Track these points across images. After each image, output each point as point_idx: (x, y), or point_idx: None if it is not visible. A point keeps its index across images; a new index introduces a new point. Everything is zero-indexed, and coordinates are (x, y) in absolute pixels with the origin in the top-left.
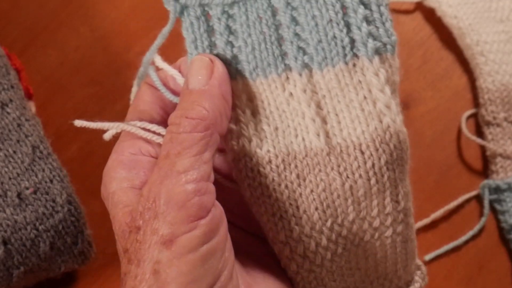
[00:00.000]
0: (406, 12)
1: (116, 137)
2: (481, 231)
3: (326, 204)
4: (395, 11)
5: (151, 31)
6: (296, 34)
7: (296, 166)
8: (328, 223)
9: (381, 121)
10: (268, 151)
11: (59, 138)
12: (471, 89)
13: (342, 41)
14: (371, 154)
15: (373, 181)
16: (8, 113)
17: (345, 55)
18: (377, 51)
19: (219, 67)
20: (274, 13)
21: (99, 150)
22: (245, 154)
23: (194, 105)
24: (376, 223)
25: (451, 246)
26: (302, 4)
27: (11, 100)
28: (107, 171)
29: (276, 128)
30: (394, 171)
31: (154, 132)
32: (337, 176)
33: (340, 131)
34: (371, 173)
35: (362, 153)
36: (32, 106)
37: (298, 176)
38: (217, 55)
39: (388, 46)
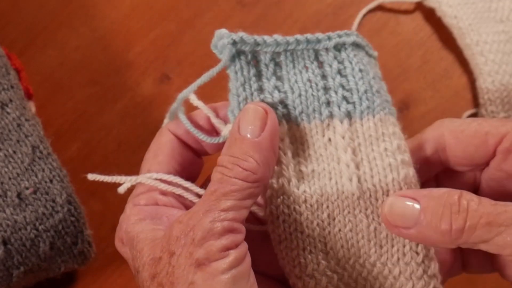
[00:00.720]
0: (406, 12)
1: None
2: None
3: (351, 243)
4: (395, 11)
5: (151, 31)
6: (341, 85)
7: (327, 207)
8: (351, 261)
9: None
10: (305, 191)
11: (59, 138)
12: (471, 89)
13: (383, 96)
14: None
15: None
16: (8, 113)
17: (384, 108)
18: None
19: (273, 119)
20: (320, 64)
21: (99, 150)
22: (284, 192)
23: (247, 156)
24: (395, 271)
25: None
26: (349, 59)
27: (11, 100)
28: (127, 217)
29: (313, 171)
30: None
31: (171, 183)
32: (364, 218)
33: (371, 177)
34: None
35: None
36: (32, 106)
37: (329, 216)
38: (264, 99)
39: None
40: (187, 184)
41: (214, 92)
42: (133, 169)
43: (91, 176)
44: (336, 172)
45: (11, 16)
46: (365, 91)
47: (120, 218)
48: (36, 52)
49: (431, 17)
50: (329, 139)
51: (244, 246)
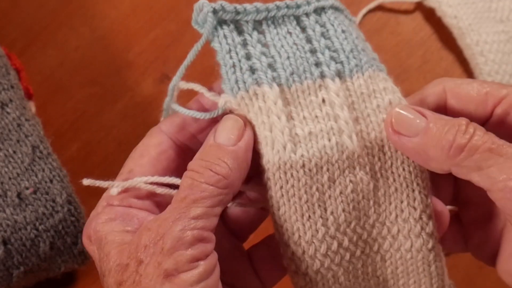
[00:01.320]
0: (406, 12)
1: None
2: None
3: (353, 206)
4: (395, 11)
5: (151, 31)
6: (327, 46)
7: (328, 169)
8: (352, 225)
9: None
10: (302, 155)
11: (59, 138)
12: None
13: (368, 54)
14: (391, 155)
15: (391, 179)
16: (8, 113)
17: (372, 65)
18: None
19: (250, 133)
20: (303, 29)
21: (99, 150)
22: (279, 158)
23: (220, 161)
24: (394, 229)
25: None
26: (330, 21)
27: (11, 100)
28: (97, 215)
29: (310, 133)
30: (410, 172)
31: (162, 185)
32: (364, 176)
33: (367, 134)
34: (389, 172)
35: (384, 154)
36: (32, 106)
37: (329, 179)
38: (252, 65)
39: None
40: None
41: (212, 80)
42: None
43: (86, 182)
44: (335, 131)
45: (11, 16)
46: (351, 50)
47: (91, 214)
48: (36, 52)
49: (431, 17)
50: (323, 99)
51: (214, 257)
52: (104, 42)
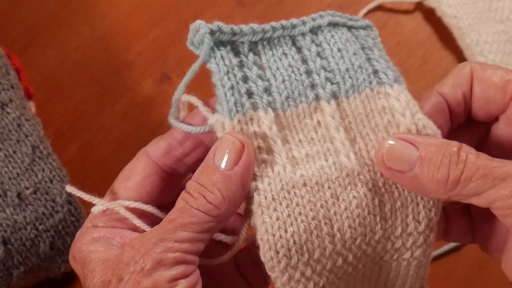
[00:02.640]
0: (406, 12)
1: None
2: None
3: (358, 222)
4: (395, 11)
5: (151, 31)
6: (322, 67)
7: (329, 187)
8: (357, 241)
9: None
10: (302, 175)
11: (59, 138)
12: None
13: (367, 70)
14: None
15: (396, 194)
16: (8, 113)
17: (370, 82)
18: (396, 80)
19: (249, 154)
20: (299, 50)
21: (99, 150)
22: (281, 179)
23: (215, 188)
24: (398, 243)
25: (451, 246)
26: (326, 40)
27: (11, 100)
28: (82, 235)
29: (307, 155)
30: None
31: (139, 212)
32: (367, 192)
33: (367, 153)
34: (393, 187)
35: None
36: (32, 106)
37: (331, 196)
38: (249, 88)
39: (402, 78)
40: (158, 213)
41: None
42: None
43: (68, 188)
44: (331, 152)
45: (11, 16)
46: (347, 70)
47: (76, 235)
48: (36, 52)
49: (431, 17)
50: (318, 122)
51: (195, 276)
52: (104, 42)
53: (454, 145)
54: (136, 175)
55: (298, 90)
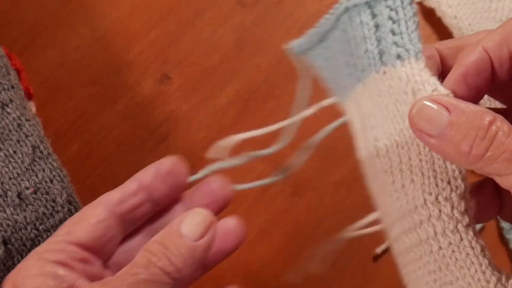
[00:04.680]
0: None
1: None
2: (481, 231)
3: (433, 175)
4: None
5: (151, 31)
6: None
7: (401, 152)
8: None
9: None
10: (385, 144)
11: (59, 138)
12: None
13: (372, 52)
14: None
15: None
16: (8, 113)
17: (375, 65)
18: (399, 56)
19: (214, 232)
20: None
21: (99, 150)
22: (377, 152)
23: (179, 253)
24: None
25: None
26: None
27: (11, 100)
28: (28, 267)
29: (382, 125)
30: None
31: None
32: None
33: None
34: None
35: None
36: (32, 106)
37: (409, 158)
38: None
39: (411, 52)
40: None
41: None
42: (133, 169)
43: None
44: (399, 120)
45: (11, 16)
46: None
47: (19, 265)
48: (36, 52)
49: (431, 17)
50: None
51: None
52: (104, 42)
53: (487, 116)
54: (90, 219)
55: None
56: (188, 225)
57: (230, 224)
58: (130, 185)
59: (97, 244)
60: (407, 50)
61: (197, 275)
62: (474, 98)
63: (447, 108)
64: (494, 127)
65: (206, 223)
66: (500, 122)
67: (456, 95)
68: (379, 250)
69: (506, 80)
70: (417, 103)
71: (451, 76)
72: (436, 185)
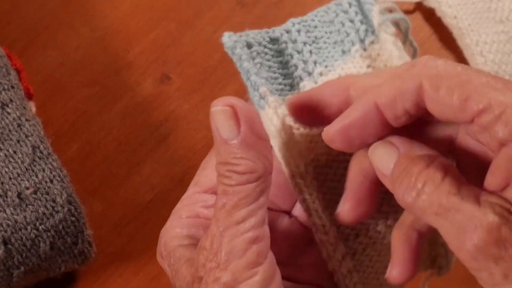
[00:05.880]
0: (406, 12)
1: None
2: None
3: None
4: None
5: (151, 31)
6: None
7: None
8: None
9: None
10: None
11: (59, 138)
12: None
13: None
14: None
15: None
16: (8, 113)
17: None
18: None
19: (244, 110)
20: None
21: (99, 150)
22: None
23: (238, 159)
24: None
25: None
26: None
27: (11, 100)
28: (166, 231)
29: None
30: None
31: None
32: None
33: None
34: None
35: None
36: (32, 106)
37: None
38: None
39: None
40: None
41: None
42: (133, 169)
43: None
44: None
45: (11, 16)
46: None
47: (161, 231)
48: (36, 52)
49: (431, 17)
50: None
51: (271, 261)
52: (104, 42)
53: (420, 163)
54: (213, 162)
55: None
56: (222, 128)
57: None
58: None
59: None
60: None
61: (268, 151)
62: (357, 146)
63: (397, 148)
64: (420, 181)
65: (230, 113)
66: (434, 169)
67: (335, 145)
68: None
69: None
70: (374, 144)
71: (333, 126)
72: None
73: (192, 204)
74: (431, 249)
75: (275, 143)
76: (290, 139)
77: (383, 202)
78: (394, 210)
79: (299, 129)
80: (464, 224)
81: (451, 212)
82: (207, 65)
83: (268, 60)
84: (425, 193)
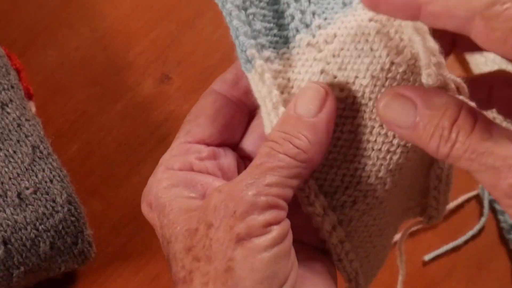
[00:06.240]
0: None
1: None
2: (481, 231)
3: None
4: None
5: (151, 31)
6: None
7: None
8: None
9: None
10: None
11: (59, 138)
12: None
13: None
14: None
15: None
16: (8, 113)
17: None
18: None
19: (333, 101)
20: None
21: (99, 150)
22: None
23: (300, 134)
24: None
25: (451, 246)
26: None
27: (11, 100)
28: (158, 181)
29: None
30: None
31: None
32: None
33: None
34: None
35: None
36: (32, 106)
37: None
38: None
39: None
40: None
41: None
42: (133, 169)
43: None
44: None
45: (11, 16)
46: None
47: (149, 180)
48: (36, 52)
49: None
50: None
51: (287, 223)
52: (104, 42)
53: (450, 115)
54: (208, 110)
55: None
56: (301, 103)
57: None
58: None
59: (221, 135)
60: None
61: (325, 150)
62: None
63: (412, 100)
64: (455, 129)
65: (320, 95)
66: (463, 119)
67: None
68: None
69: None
70: (384, 97)
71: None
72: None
73: (184, 154)
74: (422, 199)
75: (262, 108)
76: (275, 106)
77: (380, 169)
78: (391, 175)
79: (283, 94)
80: (498, 165)
81: (485, 156)
82: (207, 65)
83: (263, 8)
84: (459, 142)
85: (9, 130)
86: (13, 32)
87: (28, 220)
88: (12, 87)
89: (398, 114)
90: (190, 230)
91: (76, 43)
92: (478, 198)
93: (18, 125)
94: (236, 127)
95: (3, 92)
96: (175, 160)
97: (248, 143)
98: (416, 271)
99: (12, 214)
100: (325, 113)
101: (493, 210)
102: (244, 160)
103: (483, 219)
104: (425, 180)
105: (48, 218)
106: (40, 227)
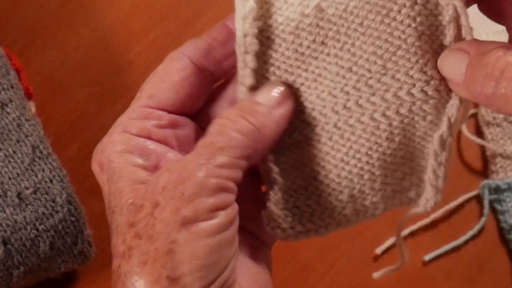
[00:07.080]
0: None
1: None
2: (481, 231)
3: None
4: None
5: (151, 31)
6: None
7: None
8: None
9: None
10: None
11: (59, 138)
12: None
13: None
14: None
15: None
16: (8, 113)
17: None
18: None
19: (291, 105)
20: None
21: None
22: None
23: (258, 114)
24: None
25: (451, 246)
26: None
27: (11, 100)
28: (113, 143)
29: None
30: None
31: None
32: None
33: None
34: None
35: None
36: (32, 106)
37: None
38: None
39: None
40: None
41: None
42: None
43: None
44: None
45: (11, 16)
46: None
47: (103, 139)
48: (36, 52)
49: None
50: None
51: (234, 209)
52: (104, 42)
53: (493, 55)
54: (173, 76)
55: None
56: (263, 94)
57: None
58: (220, 31)
59: (184, 105)
60: None
61: (273, 142)
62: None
63: (467, 52)
64: (497, 71)
65: (284, 94)
66: (506, 62)
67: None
68: (379, 250)
69: None
70: (442, 54)
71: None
72: None
73: (144, 119)
74: (418, 186)
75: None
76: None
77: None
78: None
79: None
80: None
81: None
82: None
83: None
84: (506, 79)
85: (9, 130)
86: (13, 32)
87: (28, 220)
88: (12, 87)
89: (453, 66)
90: (135, 205)
91: (76, 43)
92: (478, 198)
93: (18, 125)
94: (199, 97)
95: (3, 92)
96: (134, 124)
97: (214, 115)
98: (416, 271)
99: (12, 214)
100: (283, 109)
101: (493, 210)
102: (204, 131)
103: (483, 219)
104: (423, 158)
105: (48, 218)
106: (40, 227)
